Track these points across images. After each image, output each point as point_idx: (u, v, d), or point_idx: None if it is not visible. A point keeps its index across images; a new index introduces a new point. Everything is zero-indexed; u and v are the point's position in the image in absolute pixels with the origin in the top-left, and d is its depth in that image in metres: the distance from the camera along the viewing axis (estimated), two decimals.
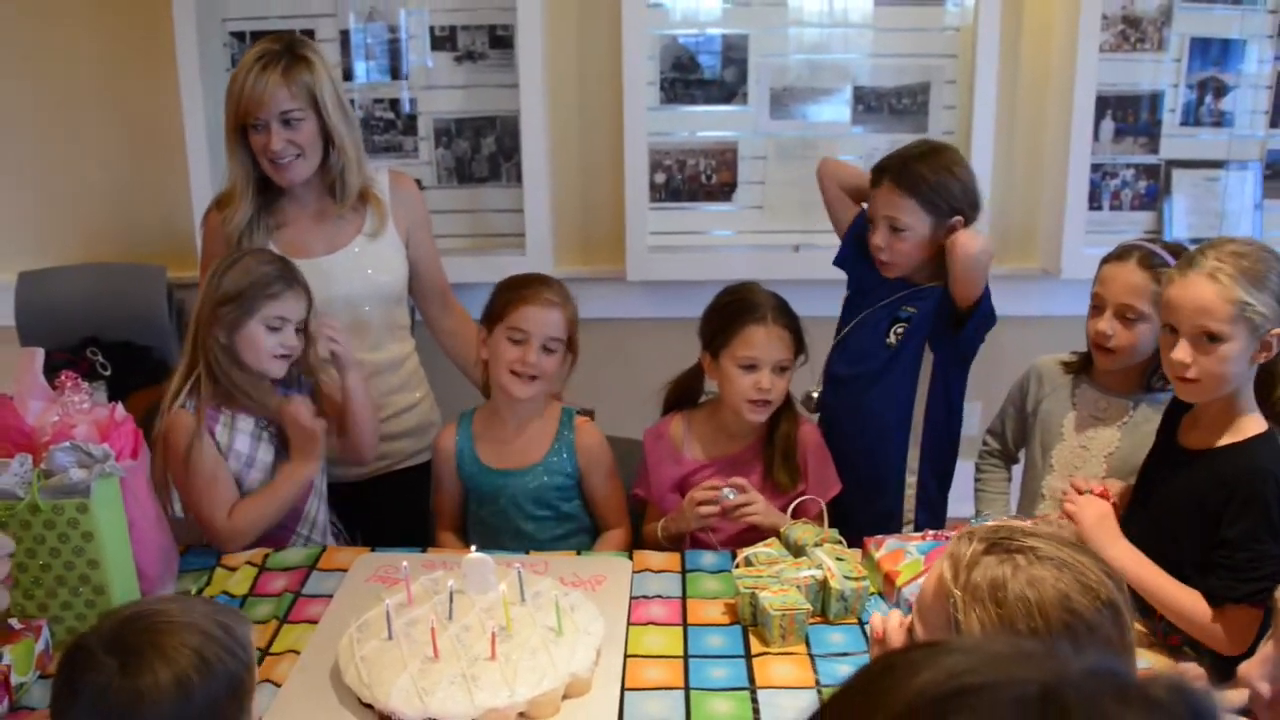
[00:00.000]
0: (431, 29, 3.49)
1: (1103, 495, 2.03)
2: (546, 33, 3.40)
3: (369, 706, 1.74)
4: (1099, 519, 1.98)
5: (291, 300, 2.22)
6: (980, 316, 2.36)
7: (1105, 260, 2.28)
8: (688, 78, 3.52)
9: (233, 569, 2.19)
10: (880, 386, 2.47)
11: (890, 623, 1.38)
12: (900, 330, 2.45)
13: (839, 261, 2.62)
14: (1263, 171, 3.44)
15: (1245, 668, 1.40)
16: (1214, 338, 1.84)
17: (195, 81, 3.36)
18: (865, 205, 2.52)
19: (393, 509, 2.50)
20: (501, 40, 3.49)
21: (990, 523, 2.08)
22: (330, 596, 2.09)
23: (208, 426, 2.20)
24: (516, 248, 3.57)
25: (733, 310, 2.36)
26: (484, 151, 3.60)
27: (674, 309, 3.49)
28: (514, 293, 2.37)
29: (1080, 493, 2.05)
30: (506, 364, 2.32)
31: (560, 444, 2.41)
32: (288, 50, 2.31)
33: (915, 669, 0.61)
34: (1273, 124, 3.41)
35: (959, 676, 0.59)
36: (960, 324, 2.37)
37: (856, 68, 3.49)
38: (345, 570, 2.19)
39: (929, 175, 2.38)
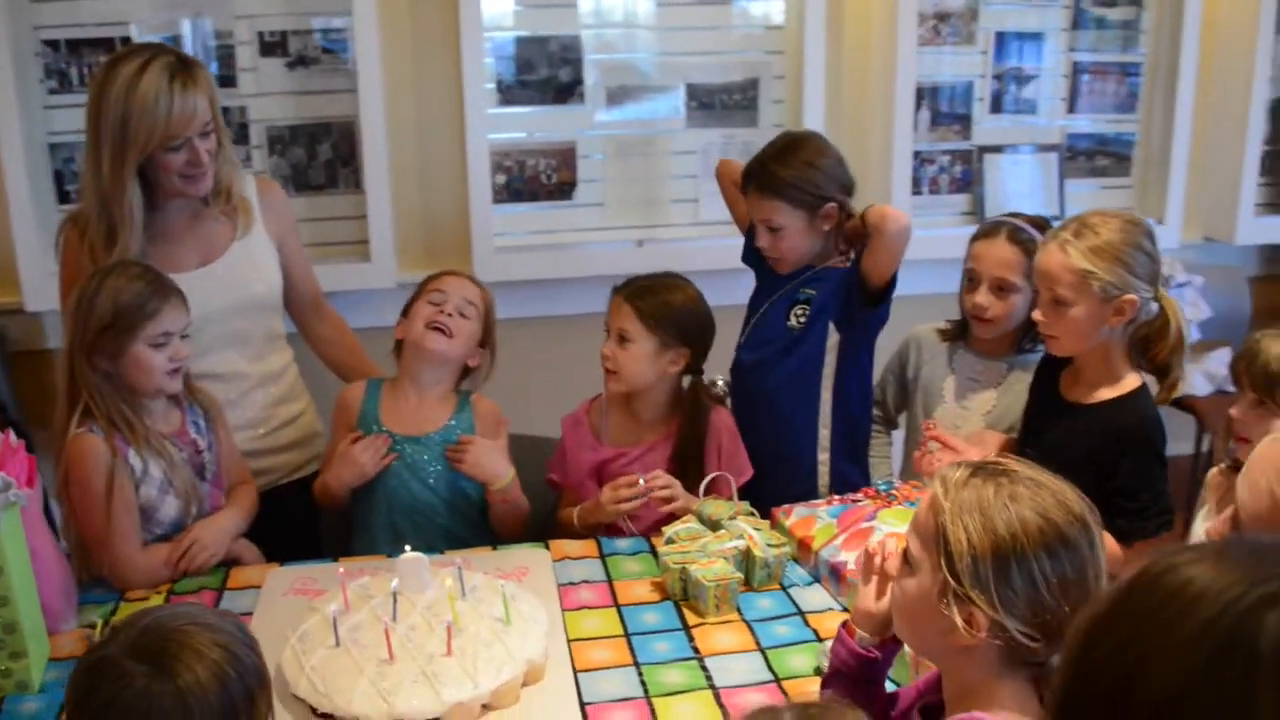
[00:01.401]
0: (260, 34, 3.41)
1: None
2: (382, 36, 3.37)
3: (326, 716, 1.73)
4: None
5: (170, 313, 2.13)
6: (893, 289, 2.48)
7: (975, 238, 2.49)
8: (524, 79, 3.56)
9: (142, 598, 2.10)
10: (784, 369, 2.55)
11: (887, 547, 1.49)
12: (801, 312, 2.54)
13: (744, 258, 2.69)
14: (1063, 154, 3.74)
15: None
16: (1061, 302, 2.06)
17: (10, 93, 3.17)
18: None
19: (283, 524, 2.44)
20: (334, 45, 3.44)
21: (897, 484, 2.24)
22: (249, 614, 2.04)
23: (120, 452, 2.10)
24: (360, 255, 3.52)
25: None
26: (320, 158, 3.53)
27: (524, 308, 3.53)
28: (432, 277, 2.48)
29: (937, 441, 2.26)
30: (424, 320, 2.38)
31: (459, 416, 2.45)
32: (181, 62, 2.23)
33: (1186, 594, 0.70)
34: (1070, 110, 3.72)
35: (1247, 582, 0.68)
36: (875, 301, 2.48)
37: (689, 65, 3.60)
38: (258, 587, 2.14)
39: (788, 174, 2.45)
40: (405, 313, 2.45)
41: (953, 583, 1.27)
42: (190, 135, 2.24)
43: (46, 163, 3.38)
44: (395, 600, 1.87)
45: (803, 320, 2.54)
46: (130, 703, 1.15)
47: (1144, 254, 2.04)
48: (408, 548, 1.95)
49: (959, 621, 1.27)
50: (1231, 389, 2.22)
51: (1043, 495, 1.27)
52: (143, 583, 2.13)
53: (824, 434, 2.57)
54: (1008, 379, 2.47)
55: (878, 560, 1.55)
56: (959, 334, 2.56)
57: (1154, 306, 2.07)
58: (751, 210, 2.52)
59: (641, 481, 2.30)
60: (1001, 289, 2.40)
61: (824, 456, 2.58)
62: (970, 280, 2.45)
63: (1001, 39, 3.63)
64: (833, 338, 2.54)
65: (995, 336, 2.46)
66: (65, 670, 1.62)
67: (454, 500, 2.43)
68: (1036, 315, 2.15)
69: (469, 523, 2.44)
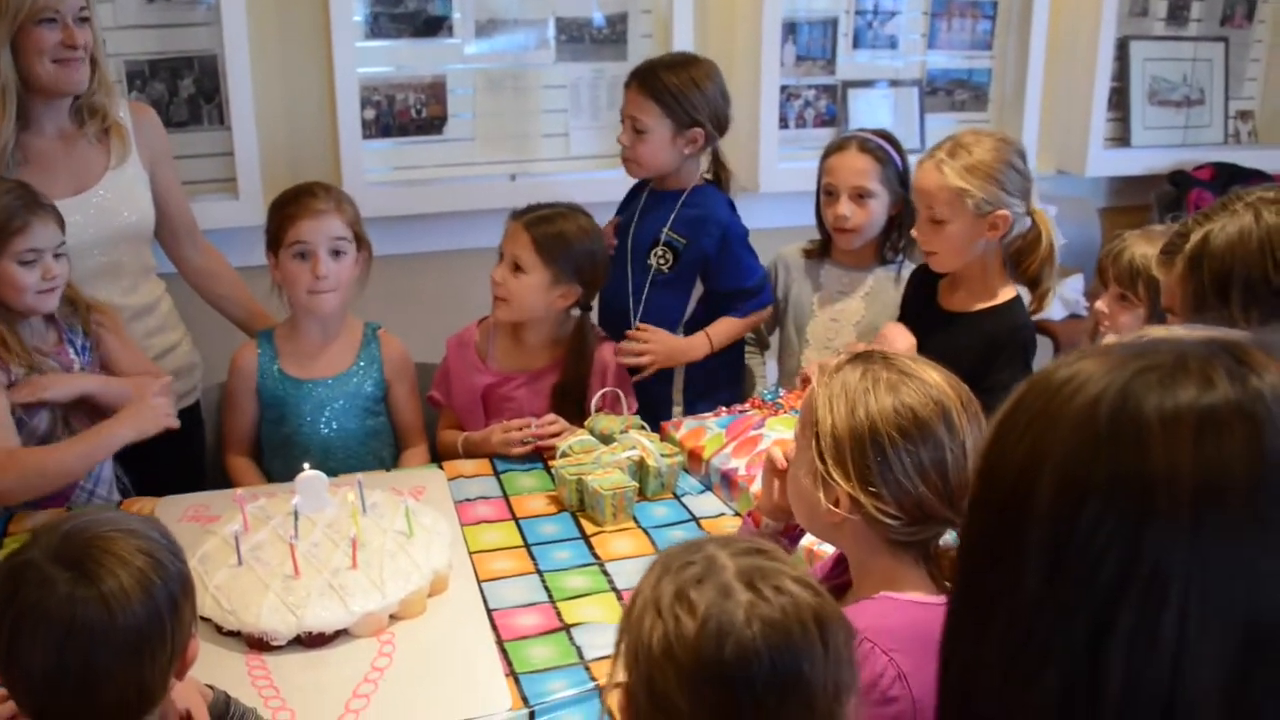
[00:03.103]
0: None
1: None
2: None
3: (231, 634, 1.73)
4: (909, 349, 2.24)
5: (40, 228, 2.07)
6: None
7: (828, 153, 2.60)
8: (393, 11, 3.51)
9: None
10: (644, 312, 2.63)
11: (784, 446, 1.56)
12: (664, 254, 2.60)
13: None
14: (923, 89, 3.86)
15: None
16: (938, 219, 2.16)
17: None
18: None
19: (163, 455, 2.39)
20: None
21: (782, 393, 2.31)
22: None
23: None
24: (228, 191, 3.44)
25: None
26: (183, 94, 3.43)
27: (397, 244, 3.50)
28: (283, 211, 2.36)
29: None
30: (302, 284, 2.31)
31: (365, 354, 2.42)
32: None
33: (1076, 379, 0.79)
34: (929, 46, 3.84)
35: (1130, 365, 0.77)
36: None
37: None
38: (150, 514, 2.11)
39: (670, 81, 2.53)
40: (271, 248, 2.38)
41: (818, 462, 1.35)
42: (64, 11, 2.19)
43: None
44: (296, 518, 1.87)
45: (665, 264, 2.60)
46: (53, 609, 1.14)
47: (1015, 171, 2.15)
48: (305, 466, 1.95)
49: (821, 498, 1.35)
50: (1084, 313, 2.37)
51: (907, 383, 1.35)
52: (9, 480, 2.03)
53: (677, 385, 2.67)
54: (872, 288, 2.58)
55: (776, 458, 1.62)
56: (823, 251, 2.66)
57: (1027, 221, 2.19)
58: (625, 106, 2.58)
59: (534, 425, 2.32)
60: (861, 196, 2.51)
61: (677, 411, 2.64)
62: (829, 194, 2.56)
63: None
64: (698, 289, 2.63)
65: (858, 247, 2.57)
66: None
67: (366, 442, 2.43)
68: (914, 233, 2.26)
69: (380, 464, 2.43)
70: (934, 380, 1.37)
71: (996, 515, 0.82)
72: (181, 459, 2.43)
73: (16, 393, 2.07)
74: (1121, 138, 4.10)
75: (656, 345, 2.55)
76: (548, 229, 2.37)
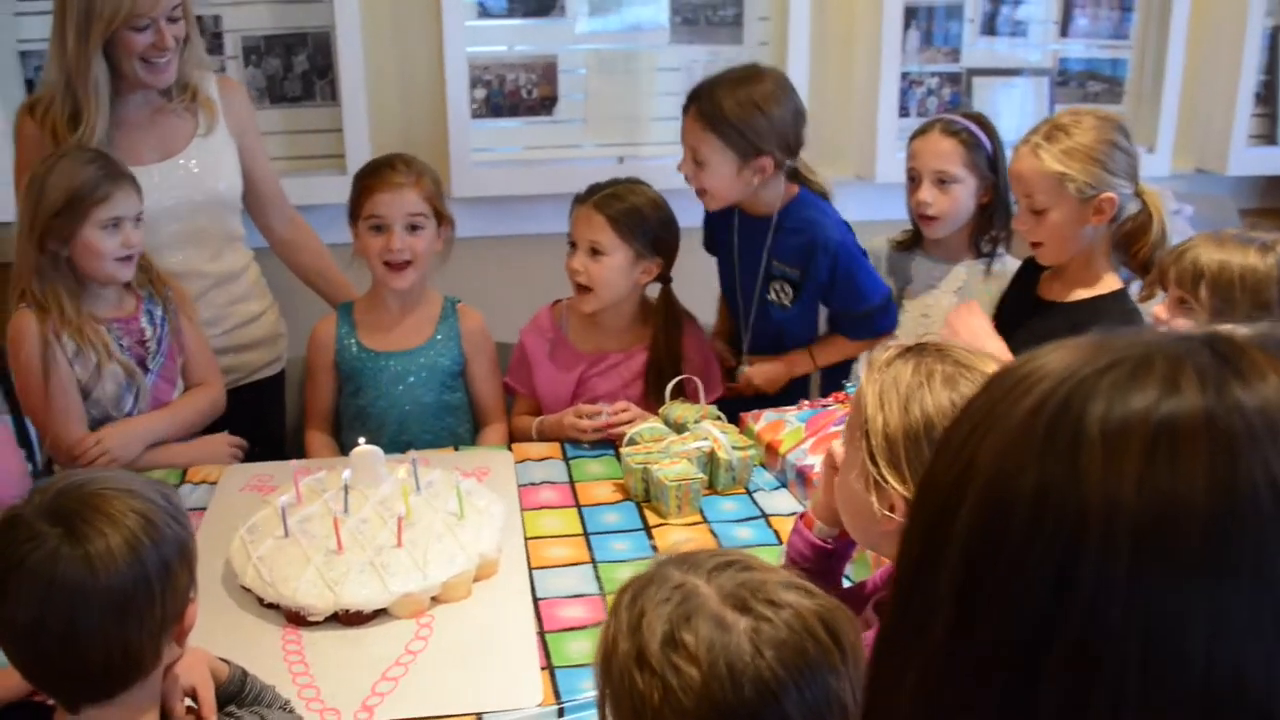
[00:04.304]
0: None
1: None
2: None
3: (272, 607, 1.69)
4: (980, 322, 2.10)
5: (122, 197, 2.10)
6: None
7: (913, 137, 2.46)
8: None
9: None
10: (789, 340, 2.49)
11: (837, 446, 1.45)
12: (783, 288, 2.44)
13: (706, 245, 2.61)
14: (1054, 79, 3.66)
15: None
16: (1039, 208, 2.01)
17: None
18: None
19: (245, 423, 2.40)
20: None
21: None
22: (203, 510, 2.00)
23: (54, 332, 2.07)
24: (336, 168, 3.44)
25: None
26: (296, 70, 3.45)
27: (502, 225, 3.48)
28: (362, 183, 2.33)
29: None
30: (376, 255, 2.28)
31: (444, 328, 2.38)
32: None
33: (1032, 377, 0.61)
34: (1063, 34, 3.63)
35: (1085, 366, 0.61)
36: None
37: None
38: (214, 483, 2.10)
39: (731, 110, 2.26)
40: (350, 219, 2.34)
41: (870, 465, 1.24)
42: (157, 16, 2.19)
43: (18, 71, 3.31)
44: (347, 493, 1.83)
45: (786, 297, 2.44)
46: (36, 565, 1.11)
47: (1119, 150, 1.99)
48: (361, 440, 1.91)
49: (875, 504, 1.24)
50: None
51: (965, 376, 1.23)
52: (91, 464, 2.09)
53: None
54: (965, 282, 2.42)
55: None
56: (913, 242, 2.52)
57: (1136, 203, 2.03)
58: (684, 133, 2.36)
59: (605, 414, 2.24)
60: (942, 182, 2.36)
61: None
62: (912, 180, 2.42)
63: None
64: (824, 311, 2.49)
65: (945, 236, 2.42)
66: None
67: (441, 416, 2.39)
68: (1018, 224, 2.12)
69: (455, 441, 2.39)
70: (981, 364, 1.25)
71: (921, 540, 0.64)
72: (261, 429, 2.43)
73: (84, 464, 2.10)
74: (1268, 135, 3.82)
75: (759, 381, 2.45)
76: (620, 205, 2.28)
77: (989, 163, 2.35)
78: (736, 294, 2.52)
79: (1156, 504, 0.54)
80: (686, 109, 2.35)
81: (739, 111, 2.25)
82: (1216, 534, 0.53)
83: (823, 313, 2.51)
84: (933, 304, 2.46)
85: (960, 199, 2.37)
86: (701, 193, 2.38)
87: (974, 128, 2.36)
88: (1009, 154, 2.20)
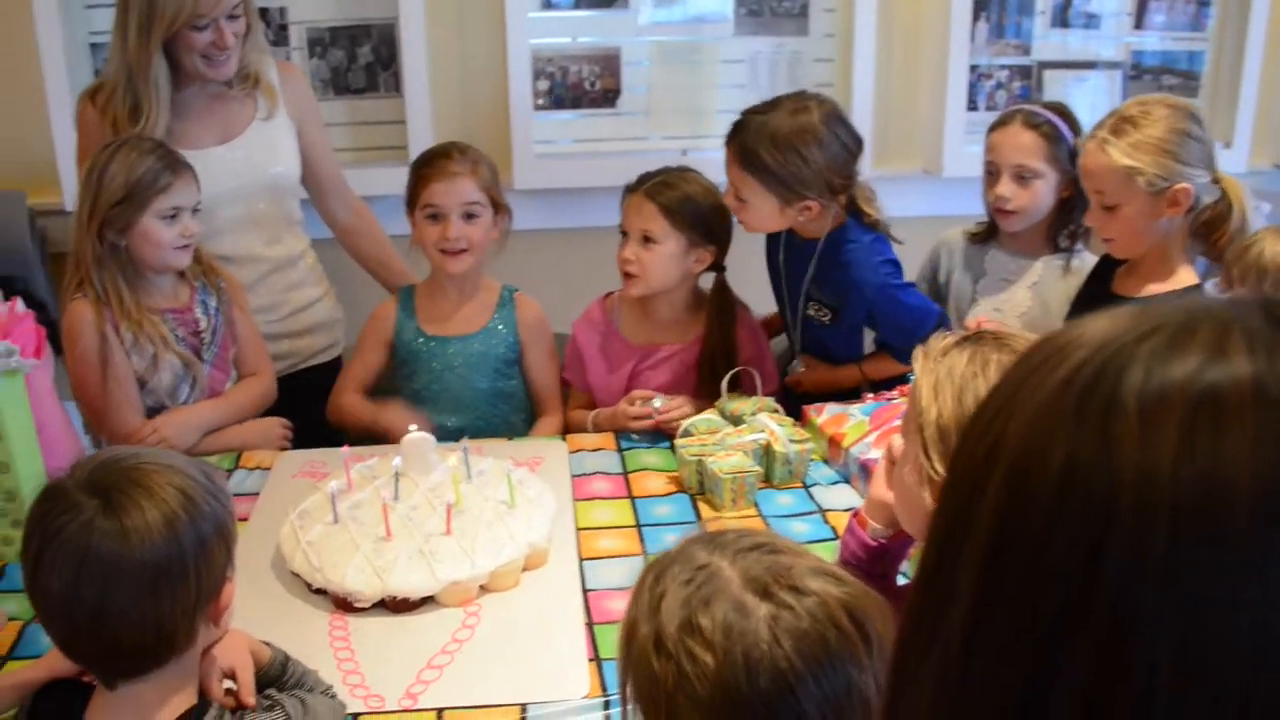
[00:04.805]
0: None
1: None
2: None
3: (320, 592, 1.68)
4: None
5: (181, 187, 2.11)
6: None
7: (991, 129, 2.39)
8: None
9: None
10: (834, 350, 2.44)
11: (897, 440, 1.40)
12: (821, 310, 2.39)
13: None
14: (1128, 72, 3.57)
15: None
16: (1109, 205, 1.95)
17: None
18: None
19: (300, 408, 2.40)
20: None
21: None
22: (255, 495, 2.00)
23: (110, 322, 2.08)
24: (399, 159, 3.44)
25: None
26: (360, 61, 3.46)
27: (565, 218, 3.46)
28: (419, 171, 2.33)
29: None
30: (433, 244, 2.27)
31: (501, 315, 2.38)
32: None
33: (1069, 347, 0.56)
34: (1137, 26, 3.54)
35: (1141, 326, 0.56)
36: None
37: None
38: (267, 469, 2.10)
39: (770, 159, 2.19)
40: (408, 207, 2.34)
41: (923, 458, 1.19)
42: (218, 16, 2.21)
43: (88, 63, 3.35)
44: (397, 480, 1.81)
45: (825, 317, 2.39)
46: (72, 536, 1.10)
47: (1192, 139, 1.91)
48: (413, 427, 1.90)
49: (927, 499, 1.19)
50: None
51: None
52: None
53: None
54: (1041, 277, 2.35)
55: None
56: (989, 235, 2.45)
57: (1214, 191, 1.95)
58: (726, 165, 2.28)
59: (657, 404, 2.21)
60: (1022, 177, 2.29)
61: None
62: (990, 173, 2.35)
63: None
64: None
65: (1023, 230, 2.35)
66: None
67: (495, 404, 2.38)
68: (1089, 220, 2.05)
69: (509, 429, 2.37)
70: None
71: (948, 521, 0.59)
72: (319, 413, 2.43)
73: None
74: None
75: (808, 385, 2.42)
76: (672, 194, 2.25)
77: (1071, 156, 2.27)
78: (784, 302, 2.50)
79: (1197, 481, 0.49)
80: (727, 142, 2.28)
81: (777, 157, 2.18)
82: (1264, 515, 0.48)
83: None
84: (1006, 299, 2.38)
85: (1040, 194, 2.30)
86: (748, 226, 2.35)
87: (1056, 119, 2.28)
88: None
